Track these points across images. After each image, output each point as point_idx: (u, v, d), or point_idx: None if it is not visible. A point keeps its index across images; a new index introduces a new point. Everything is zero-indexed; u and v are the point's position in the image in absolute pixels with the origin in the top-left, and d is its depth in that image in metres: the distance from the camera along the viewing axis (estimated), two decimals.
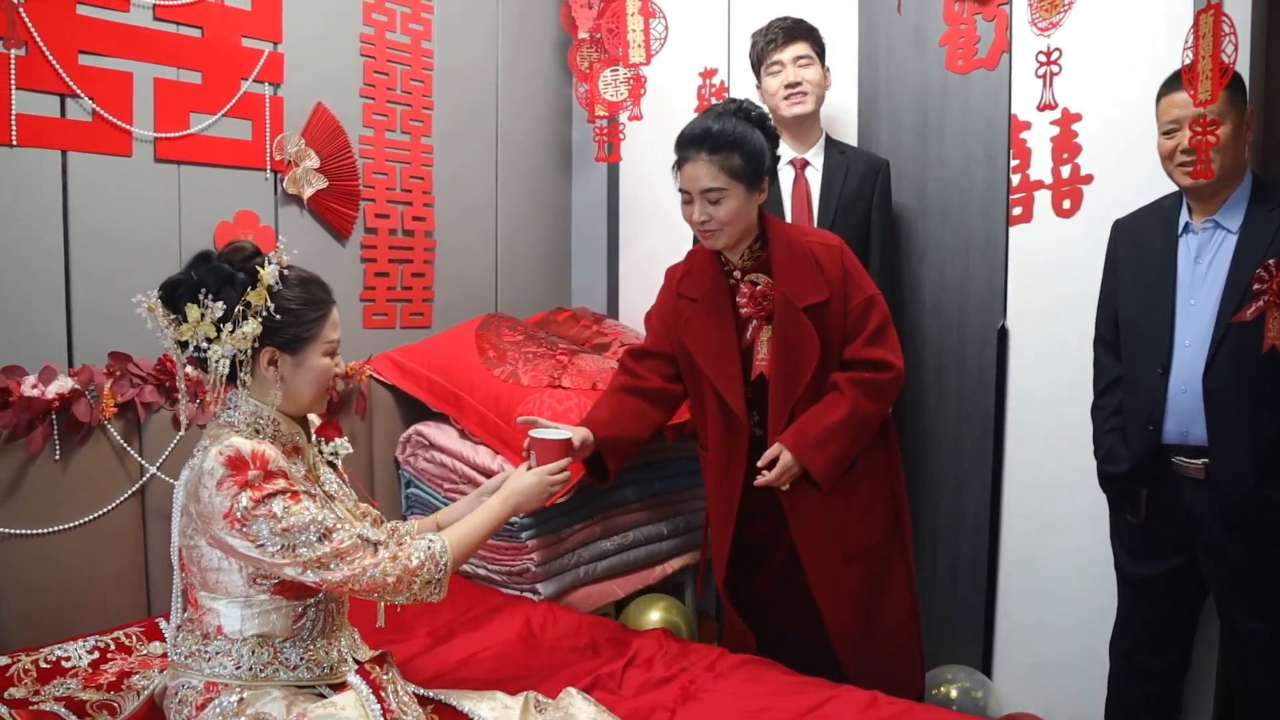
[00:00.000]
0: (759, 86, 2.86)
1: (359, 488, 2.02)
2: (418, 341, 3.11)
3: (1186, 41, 1.88)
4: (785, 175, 2.78)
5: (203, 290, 1.64)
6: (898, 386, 2.25)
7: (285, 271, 1.72)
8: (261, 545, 1.60)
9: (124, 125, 2.40)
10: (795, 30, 2.78)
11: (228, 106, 2.62)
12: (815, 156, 2.83)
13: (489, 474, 2.74)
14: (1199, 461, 2.18)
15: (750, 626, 2.44)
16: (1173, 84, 2.19)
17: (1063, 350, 2.67)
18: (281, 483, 1.63)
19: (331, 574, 1.64)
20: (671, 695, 2.07)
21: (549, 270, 3.72)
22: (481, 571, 2.80)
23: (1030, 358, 2.77)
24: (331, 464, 1.91)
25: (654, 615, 2.85)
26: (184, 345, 1.67)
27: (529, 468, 2.08)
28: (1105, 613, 2.49)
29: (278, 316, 1.68)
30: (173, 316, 1.66)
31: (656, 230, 3.44)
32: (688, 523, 3.14)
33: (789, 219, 2.76)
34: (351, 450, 1.99)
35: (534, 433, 2.13)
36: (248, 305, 1.66)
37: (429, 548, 1.75)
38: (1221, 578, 2.20)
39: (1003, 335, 2.80)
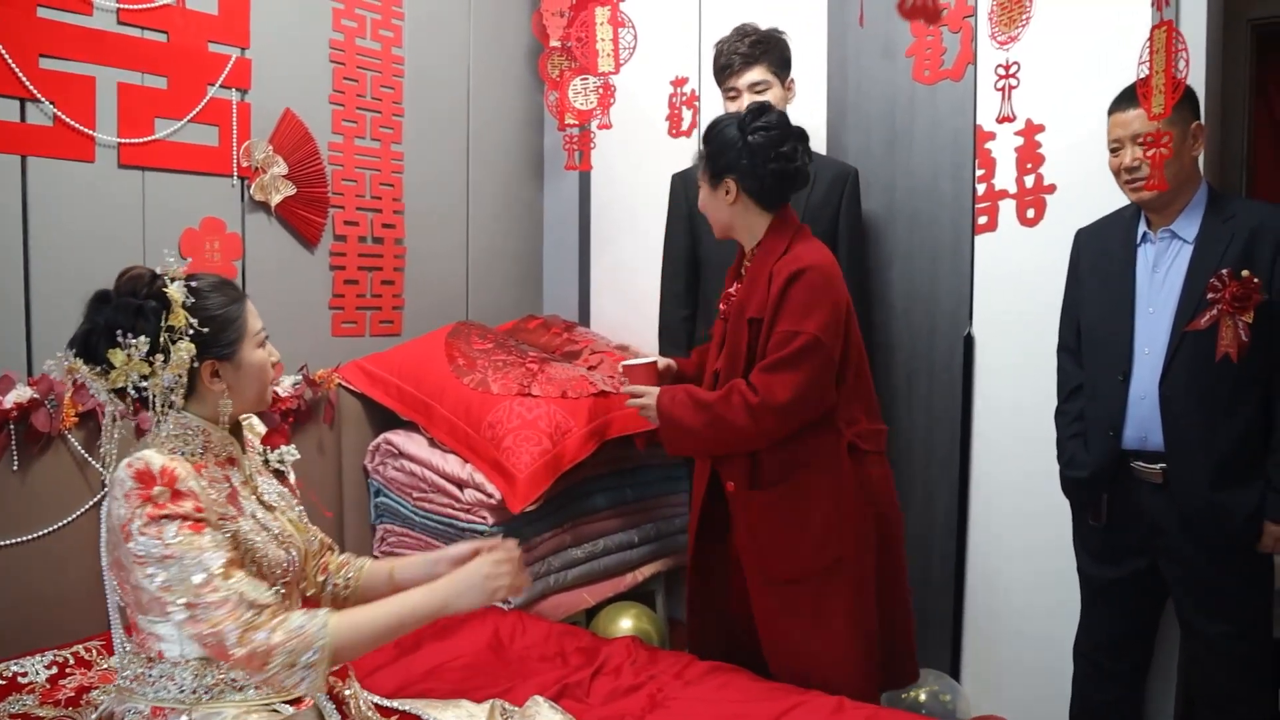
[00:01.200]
0: (718, 84, 2.82)
1: (314, 499, 1.97)
2: (387, 349, 3.09)
3: (1141, 56, 1.92)
4: None
5: (119, 331, 1.56)
6: (758, 417, 2.16)
7: (192, 283, 1.64)
8: (143, 562, 1.50)
9: (86, 130, 2.38)
10: (752, 55, 2.71)
11: (194, 112, 2.60)
12: None
13: (458, 482, 2.74)
14: (1157, 467, 2.21)
15: (722, 621, 2.46)
16: (1119, 103, 2.24)
17: (1028, 357, 2.69)
18: (188, 505, 1.53)
19: (188, 623, 1.50)
20: (639, 703, 2.07)
21: (520, 278, 3.71)
22: None
23: (996, 364, 2.80)
24: (279, 473, 1.85)
25: (625, 623, 2.86)
26: (121, 392, 1.59)
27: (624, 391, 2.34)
28: (1072, 617, 2.52)
29: (205, 329, 1.61)
30: (98, 369, 1.58)
31: (628, 238, 3.45)
32: (659, 530, 3.15)
33: None
34: (299, 457, 1.92)
35: (625, 362, 2.40)
36: (171, 329, 1.59)
37: (303, 626, 1.53)
38: (1180, 581, 2.23)
39: (969, 342, 2.83)
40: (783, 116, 2.28)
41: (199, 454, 1.64)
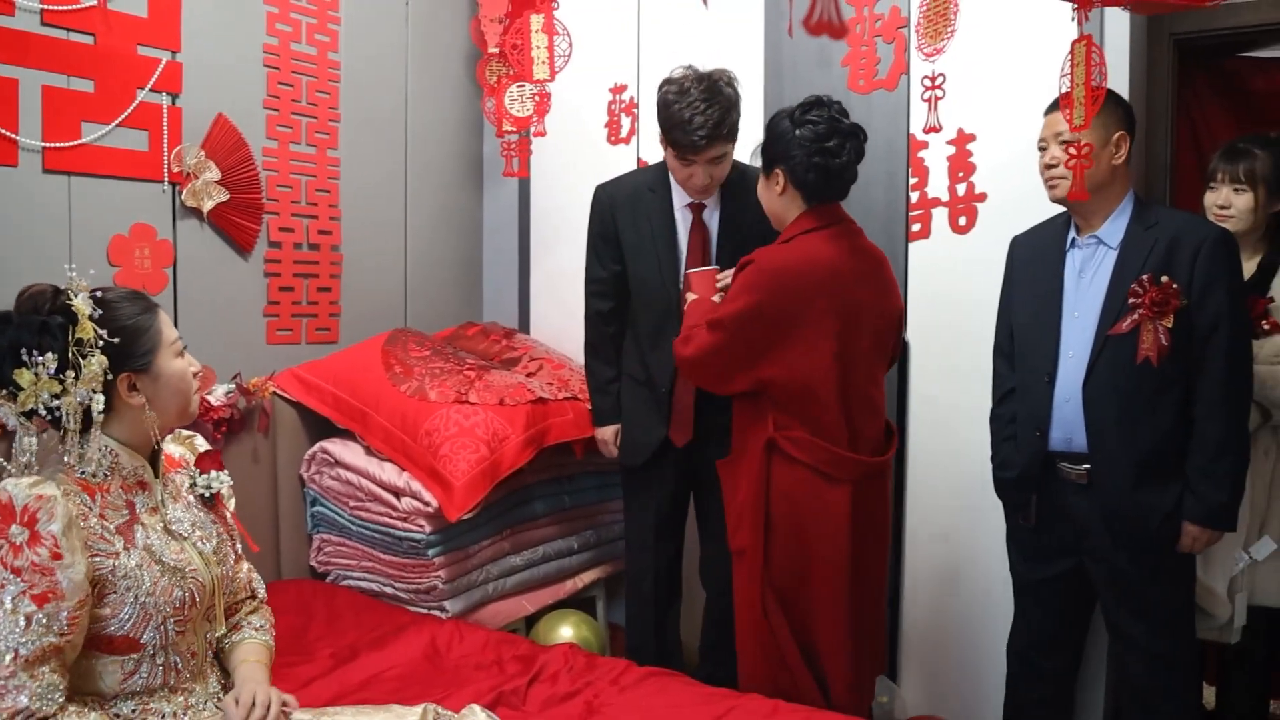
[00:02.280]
0: (663, 140, 2.55)
1: (239, 526, 1.89)
2: (323, 357, 3.06)
3: (1063, 69, 1.97)
4: (684, 217, 2.67)
5: (23, 350, 1.50)
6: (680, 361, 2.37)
7: (98, 294, 1.59)
8: None
9: (8, 134, 2.32)
10: (718, 133, 2.45)
11: (122, 116, 2.55)
12: (712, 199, 2.66)
13: (395, 490, 2.72)
14: (1082, 467, 2.26)
15: None
16: (1052, 105, 2.30)
17: (961, 361, 2.74)
18: (43, 553, 1.46)
19: None
20: (576, 710, 2.08)
21: (460, 284, 3.70)
22: (389, 590, 2.76)
23: (930, 369, 2.84)
24: (205, 498, 1.77)
25: (565, 631, 2.85)
26: (31, 414, 1.53)
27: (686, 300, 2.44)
28: (1006, 617, 2.56)
29: (115, 340, 1.56)
30: (4, 392, 1.52)
31: (567, 245, 3.43)
32: (598, 536, 3.15)
33: (684, 255, 2.66)
34: (231, 483, 1.83)
35: (691, 270, 2.46)
36: (80, 343, 1.53)
37: None
38: (1105, 580, 2.28)
39: (903, 348, 2.87)
40: (835, 112, 2.25)
41: (104, 477, 1.59)
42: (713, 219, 2.66)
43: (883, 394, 2.40)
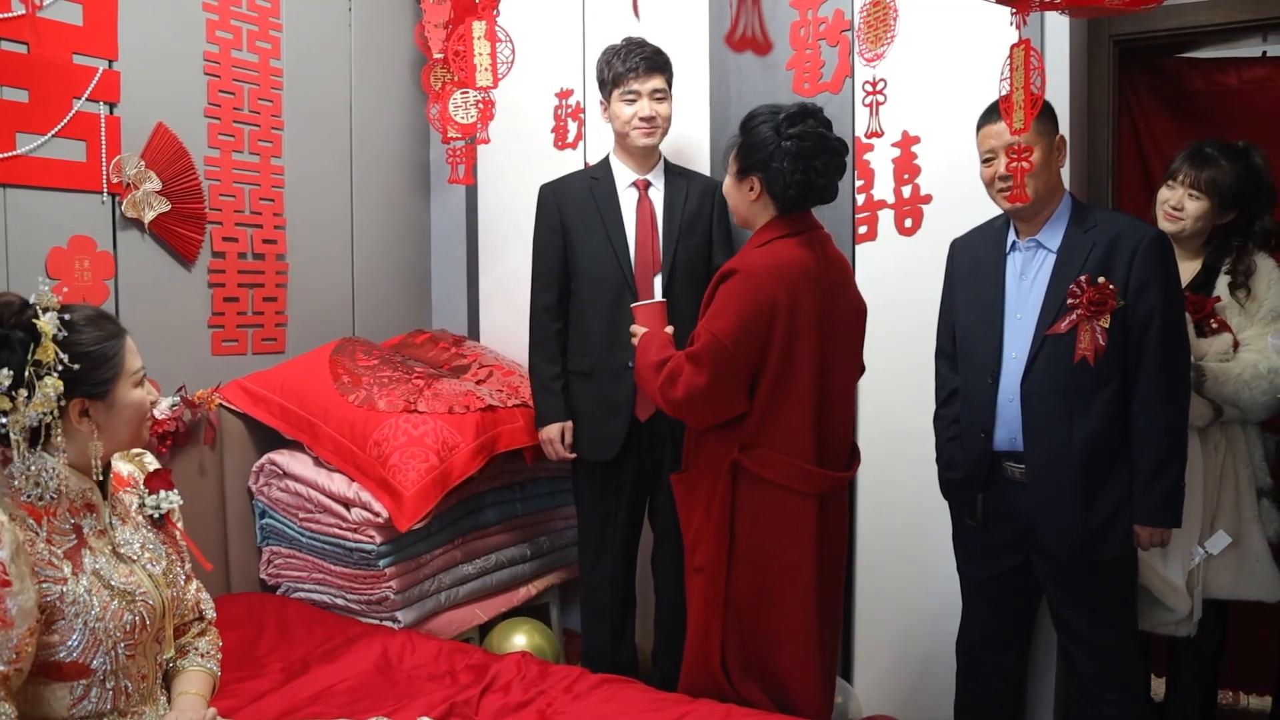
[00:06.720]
0: (605, 105, 2.81)
1: (190, 545, 1.85)
2: (271, 368, 3.02)
3: (1003, 74, 1.99)
4: (629, 196, 2.80)
5: None
6: (664, 395, 2.20)
7: (66, 315, 1.54)
8: None
9: None
10: (655, 62, 2.74)
11: (58, 126, 2.51)
12: (657, 178, 2.84)
13: (345, 501, 2.69)
14: (1024, 466, 2.29)
15: None
16: (988, 116, 2.32)
17: (908, 362, 2.76)
18: None
19: None
20: (529, 719, 2.07)
21: (408, 292, 3.67)
22: (340, 601, 2.74)
23: (877, 370, 2.84)
24: (154, 519, 1.75)
25: (519, 639, 2.85)
26: None
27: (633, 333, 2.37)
28: (955, 616, 2.59)
29: (75, 366, 1.52)
30: None
31: (516, 251, 3.42)
32: (551, 543, 3.15)
33: (632, 236, 2.76)
34: (181, 502, 1.80)
35: (635, 304, 2.43)
36: (39, 364, 1.49)
37: None
38: (1050, 577, 2.31)
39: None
40: (821, 127, 2.19)
41: (51, 500, 1.56)
42: (658, 197, 2.80)
43: (854, 410, 2.36)
